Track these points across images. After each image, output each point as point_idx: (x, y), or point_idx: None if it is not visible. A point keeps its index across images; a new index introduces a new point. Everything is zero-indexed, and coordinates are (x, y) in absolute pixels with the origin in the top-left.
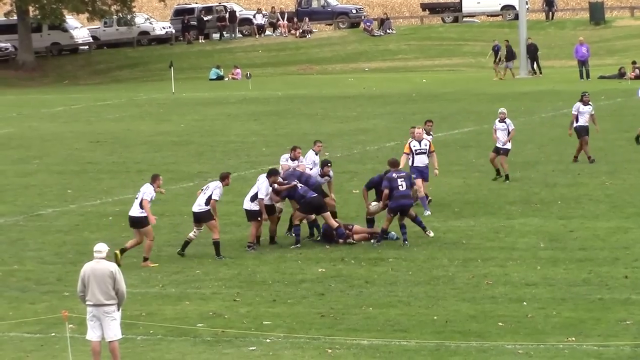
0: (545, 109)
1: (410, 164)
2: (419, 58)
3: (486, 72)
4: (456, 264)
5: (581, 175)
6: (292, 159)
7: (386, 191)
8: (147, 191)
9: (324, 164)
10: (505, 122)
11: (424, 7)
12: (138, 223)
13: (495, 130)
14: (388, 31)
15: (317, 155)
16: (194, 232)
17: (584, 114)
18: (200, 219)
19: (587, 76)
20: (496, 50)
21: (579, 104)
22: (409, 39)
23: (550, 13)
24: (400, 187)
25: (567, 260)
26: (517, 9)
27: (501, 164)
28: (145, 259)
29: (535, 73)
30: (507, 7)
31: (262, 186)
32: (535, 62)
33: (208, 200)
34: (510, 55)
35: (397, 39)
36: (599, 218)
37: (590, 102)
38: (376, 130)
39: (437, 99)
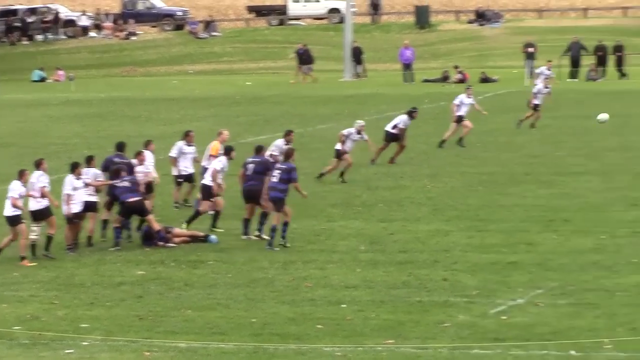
0: (369, 112)
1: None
2: (244, 61)
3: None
4: (276, 267)
5: (403, 178)
6: (188, 145)
7: (241, 170)
8: (17, 188)
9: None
10: (362, 134)
11: (250, 9)
12: (14, 221)
13: (347, 141)
14: (213, 33)
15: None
16: (36, 231)
17: (405, 126)
18: (39, 216)
19: (412, 79)
20: (300, 53)
21: (406, 118)
22: (234, 41)
23: (376, 16)
24: (273, 179)
25: (387, 263)
26: (344, 12)
27: (345, 165)
28: (23, 258)
29: (359, 76)
30: (333, 10)
31: (66, 180)
32: (360, 65)
33: (42, 195)
34: (308, 60)
35: (223, 42)
36: (420, 221)
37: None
38: (199, 133)
39: (261, 102)
